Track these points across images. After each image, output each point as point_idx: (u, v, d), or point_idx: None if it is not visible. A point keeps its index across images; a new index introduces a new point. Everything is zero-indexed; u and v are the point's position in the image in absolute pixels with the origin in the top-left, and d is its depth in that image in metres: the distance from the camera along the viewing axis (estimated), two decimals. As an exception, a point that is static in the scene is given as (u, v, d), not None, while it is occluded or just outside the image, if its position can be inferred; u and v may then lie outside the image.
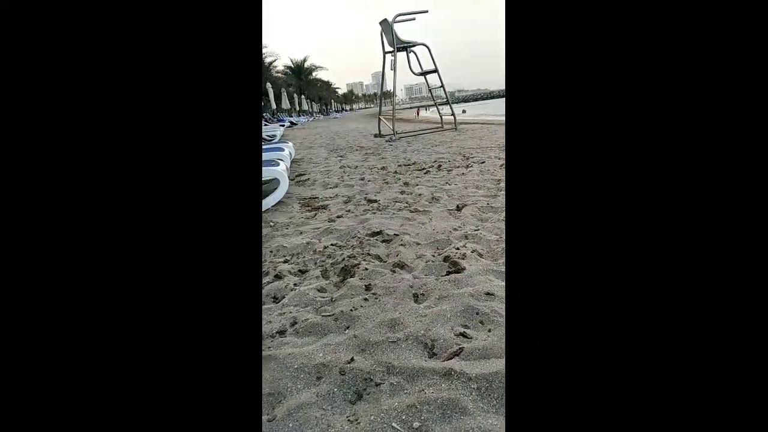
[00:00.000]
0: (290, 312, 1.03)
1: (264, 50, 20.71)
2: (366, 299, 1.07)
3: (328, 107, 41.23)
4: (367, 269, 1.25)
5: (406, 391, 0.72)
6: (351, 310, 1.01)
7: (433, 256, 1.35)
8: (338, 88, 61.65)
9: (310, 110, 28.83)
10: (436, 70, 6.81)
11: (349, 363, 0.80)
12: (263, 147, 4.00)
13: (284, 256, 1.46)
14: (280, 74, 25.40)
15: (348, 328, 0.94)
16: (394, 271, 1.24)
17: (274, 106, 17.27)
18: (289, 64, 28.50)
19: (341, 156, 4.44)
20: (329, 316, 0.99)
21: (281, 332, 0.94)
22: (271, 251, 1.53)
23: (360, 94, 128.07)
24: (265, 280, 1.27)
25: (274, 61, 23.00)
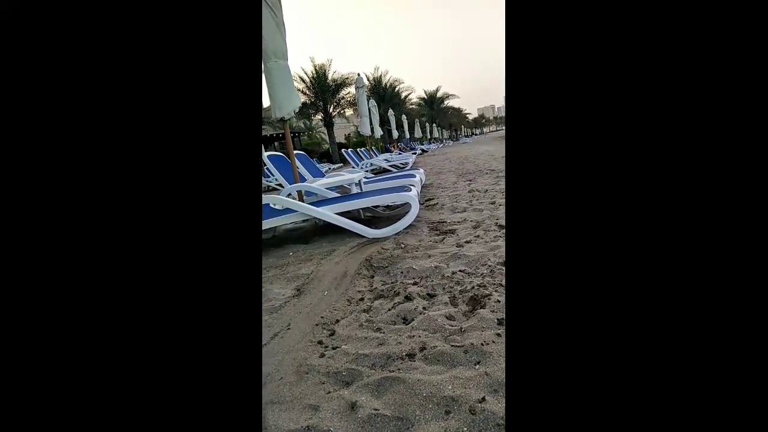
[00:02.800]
0: (419, 336, 1.04)
1: (401, 85, 22.54)
2: (498, 334, 0.98)
3: (458, 132, 41.60)
4: (499, 301, 1.16)
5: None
6: (482, 344, 0.94)
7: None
8: (469, 113, 61.75)
9: (440, 137, 29.65)
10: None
11: (480, 402, 0.74)
12: (396, 174, 4.29)
13: (413, 278, 1.49)
14: (414, 105, 27.13)
15: (478, 363, 0.88)
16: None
17: (407, 135, 18.49)
18: (423, 95, 30.22)
19: (470, 180, 4.36)
20: (458, 347, 0.95)
21: (410, 355, 0.95)
22: (401, 272, 1.58)
23: (491, 117, 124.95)
24: (395, 300, 1.31)
25: (410, 94, 24.76)
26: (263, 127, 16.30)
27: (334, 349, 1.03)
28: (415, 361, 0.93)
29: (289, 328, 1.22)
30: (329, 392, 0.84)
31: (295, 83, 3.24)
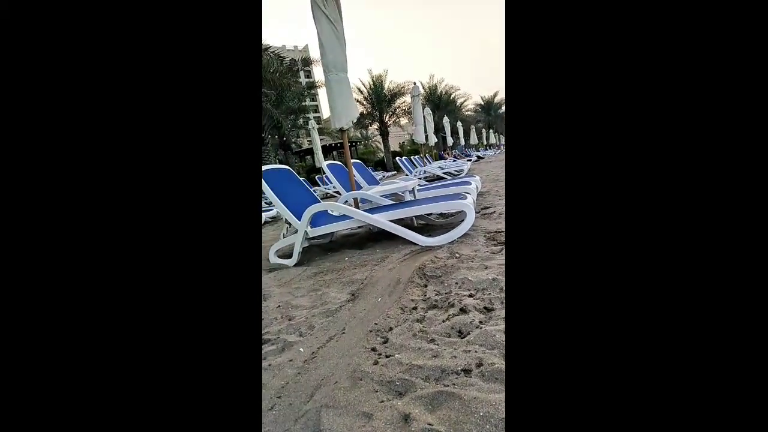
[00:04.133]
0: (475, 351, 0.99)
1: (456, 92, 22.25)
2: (565, 356, 0.90)
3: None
4: (565, 320, 1.07)
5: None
6: (546, 365, 0.87)
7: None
8: (528, 118, 58.75)
9: (498, 143, 28.60)
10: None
11: (544, 430, 0.68)
12: (451, 182, 4.21)
13: (469, 290, 1.44)
14: (470, 112, 26.58)
15: (542, 386, 0.81)
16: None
17: (462, 142, 18.14)
18: (480, 101, 29.49)
19: (531, 188, 4.12)
20: (519, 366, 0.89)
21: (466, 371, 0.91)
22: (456, 283, 1.54)
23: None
24: (450, 311, 1.28)
25: (465, 101, 24.33)
26: (322, 137, 17.11)
27: (387, 357, 1.03)
28: (471, 377, 0.89)
29: (344, 332, 1.24)
30: (382, 401, 0.84)
31: (353, 94, 3.35)
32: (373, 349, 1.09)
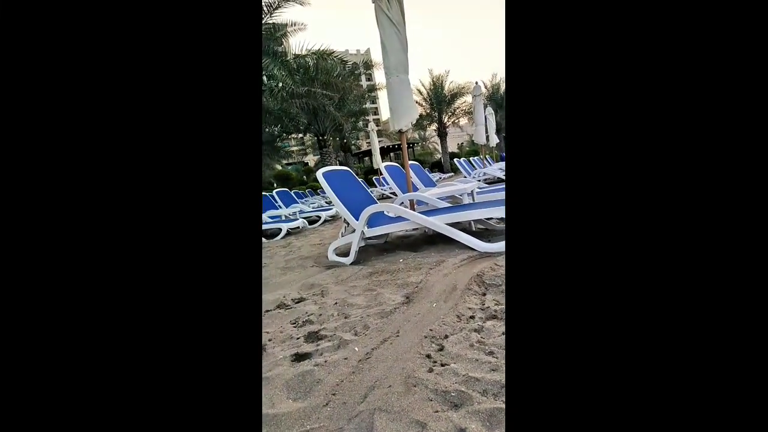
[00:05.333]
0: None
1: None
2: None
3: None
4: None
5: None
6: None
7: None
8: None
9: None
10: None
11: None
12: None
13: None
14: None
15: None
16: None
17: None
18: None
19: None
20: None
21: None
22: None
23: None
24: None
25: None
26: (380, 139, 17.39)
27: (443, 365, 1.00)
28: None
29: (398, 335, 1.23)
30: (437, 411, 0.81)
31: (413, 96, 3.35)
32: (428, 356, 1.06)
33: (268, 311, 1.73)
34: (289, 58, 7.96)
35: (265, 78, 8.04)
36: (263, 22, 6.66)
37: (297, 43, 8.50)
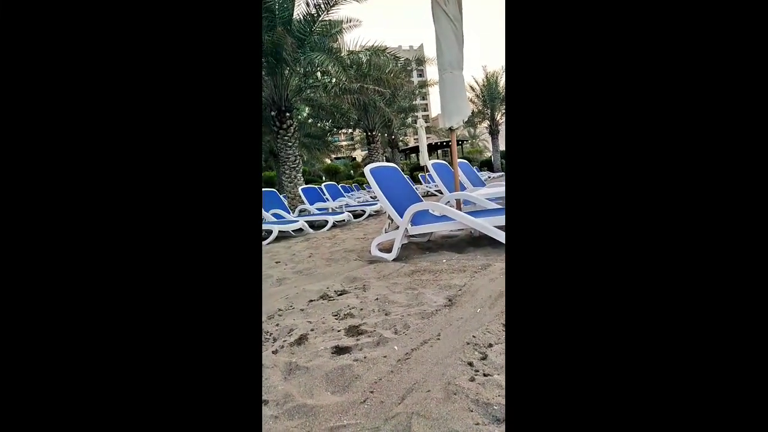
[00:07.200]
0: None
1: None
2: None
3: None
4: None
5: None
6: None
7: None
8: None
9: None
10: None
11: None
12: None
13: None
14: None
15: None
16: None
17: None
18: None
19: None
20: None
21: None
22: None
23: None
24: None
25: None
26: (428, 135, 17.20)
27: (485, 376, 0.95)
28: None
29: (439, 338, 1.20)
30: (478, 423, 0.78)
31: (466, 92, 3.25)
32: (470, 364, 1.02)
33: (312, 301, 1.78)
34: (343, 54, 8.10)
35: (319, 74, 8.27)
36: (320, 19, 6.83)
37: (351, 40, 8.64)
